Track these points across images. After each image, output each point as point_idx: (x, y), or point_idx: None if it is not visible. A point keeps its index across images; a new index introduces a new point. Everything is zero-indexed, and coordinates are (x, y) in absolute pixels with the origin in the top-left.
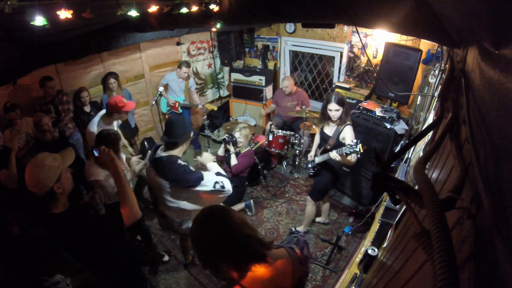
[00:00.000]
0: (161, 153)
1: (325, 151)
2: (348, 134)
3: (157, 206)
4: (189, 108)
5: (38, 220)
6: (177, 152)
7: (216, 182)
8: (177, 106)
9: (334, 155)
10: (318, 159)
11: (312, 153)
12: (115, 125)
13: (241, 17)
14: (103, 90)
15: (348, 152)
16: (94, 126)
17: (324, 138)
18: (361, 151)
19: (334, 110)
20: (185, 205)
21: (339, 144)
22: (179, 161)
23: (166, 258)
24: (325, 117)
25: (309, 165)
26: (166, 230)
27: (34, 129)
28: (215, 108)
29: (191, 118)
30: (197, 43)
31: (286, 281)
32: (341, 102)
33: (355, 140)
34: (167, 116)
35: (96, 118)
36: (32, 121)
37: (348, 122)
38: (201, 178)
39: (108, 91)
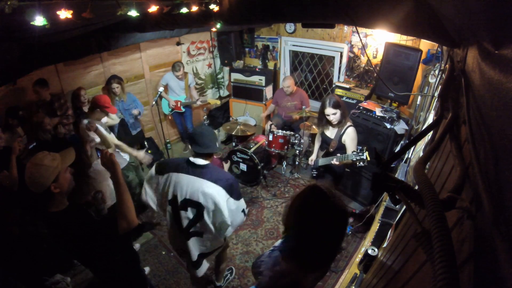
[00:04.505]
0: (198, 160)
1: (328, 153)
2: (349, 137)
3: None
4: (191, 106)
5: (38, 218)
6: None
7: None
8: (179, 105)
9: (334, 161)
10: (321, 162)
11: (314, 156)
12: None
13: (241, 17)
14: (107, 94)
15: (354, 159)
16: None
17: (325, 140)
18: (368, 159)
19: (332, 114)
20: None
21: (341, 146)
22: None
23: (146, 271)
24: (323, 122)
25: (312, 167)
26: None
27: (35, 130)
28: (218, 102)
29: (192, 117)
30: (197, 43)
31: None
32: (336, 104)
33: (359, 147)
34: (169, 118)
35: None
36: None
37: (349, 123)
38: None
39: (111, 95)
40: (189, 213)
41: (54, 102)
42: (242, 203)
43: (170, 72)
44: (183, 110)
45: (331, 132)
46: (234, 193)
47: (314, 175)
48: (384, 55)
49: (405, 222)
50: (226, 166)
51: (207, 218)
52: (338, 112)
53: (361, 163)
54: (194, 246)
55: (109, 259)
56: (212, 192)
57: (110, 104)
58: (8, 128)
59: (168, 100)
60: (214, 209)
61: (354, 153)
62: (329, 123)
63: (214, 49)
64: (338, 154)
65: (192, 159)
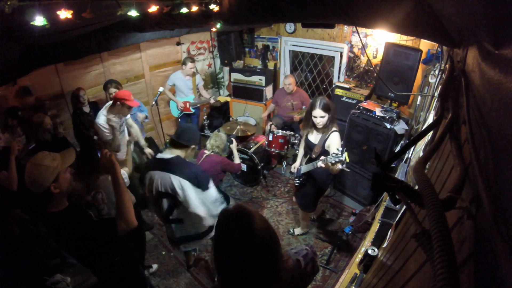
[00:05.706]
0: (166, 155)
1: (311, 160)
2: (333, 142)
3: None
4: (199, 107)
5: (37, 218)
6: (180, 153)
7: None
8: (188, 106)
9: (319, 164)
10: (304, 169)
11: (297, 163)
12: (118, 121)
13: (241, 17)
14: (106, 97)
15: (333, 161)
16: (100, 117)
17: (309, 146)
18: (347, 160)
19: (319, 117)
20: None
21: (325, 152)
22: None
23: (154, 268)
24: (309, 123)
25: (295, 175)
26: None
27: (35, 130)
28: (229, 99)
29: (199, 118)
30: (197, 43)
31: None
32: (326, 107)
33: (340, 149)
34: (179, 120)
35: (102, 110)
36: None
37: (334, 129)
38: (209, 180)
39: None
40: (166, 203)
41: (38, 108)
42: (210, 194)
43: (177, 72)
44: (192, 111)
45: (315, 137)
46: (200, 184)
47: (297, 184)
48: (384, 55)
49: (405, 222)
50: (234, 146)
51: (182, 206)
52: (327, 116)
53: (340, 165)
54: (175, 229)
55: (108, 259)
56: (177, 184)
57: (131, 97)
58: (8, 128)
59: (176, 102)
60: (184, 199)
61: (334, 154)
62: (314, 126)
63: (214, 49)
64: (322, 157)
65: (159, 155)
